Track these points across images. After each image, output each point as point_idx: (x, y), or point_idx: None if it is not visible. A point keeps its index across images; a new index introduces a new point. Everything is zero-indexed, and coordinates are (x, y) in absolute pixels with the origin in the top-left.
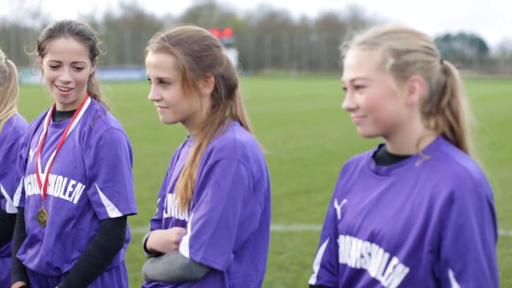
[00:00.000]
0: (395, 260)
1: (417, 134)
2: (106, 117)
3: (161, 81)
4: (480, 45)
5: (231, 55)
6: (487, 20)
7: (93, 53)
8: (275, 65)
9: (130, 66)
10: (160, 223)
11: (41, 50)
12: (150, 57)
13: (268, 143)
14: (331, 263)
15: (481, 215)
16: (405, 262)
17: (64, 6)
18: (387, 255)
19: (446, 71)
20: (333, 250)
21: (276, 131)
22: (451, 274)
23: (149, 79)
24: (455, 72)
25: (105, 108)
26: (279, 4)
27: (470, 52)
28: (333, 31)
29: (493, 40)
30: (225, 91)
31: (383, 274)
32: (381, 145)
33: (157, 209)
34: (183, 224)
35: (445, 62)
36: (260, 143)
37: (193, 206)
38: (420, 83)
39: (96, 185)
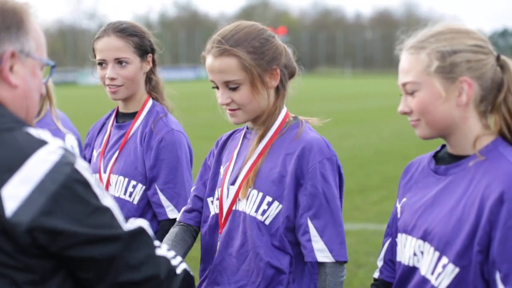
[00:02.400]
0: (444, 259)
1: (474, 134)
2: (167, 119)
3: (228, 84)
4: None
5: None
6: None
7: (141, 49)
8: (329, 62)
9: (185, 66)
10: (192, 214)
11: (93, 52)
12: (212, 62)
13: None
14: (392, 260)
15: None
16: (455, 262)
17: (119, 6)
18: (437, 254)
19: (503, 67)
20: (394, 248)
21: (331, 129)
22: (498, 276)
23: (214, 86)
24: None
25: (166, 110)
26: (333, 2)
27: None
28: (388, 28)
29: None
30: (288, 79)
31: (432, 273)
32: (444, 145)
33: (190, 199)
34: (252, 219)
35: (502, 57)
36: None
37: (303, 212)
38: (468, 84)
39: (156, 186)
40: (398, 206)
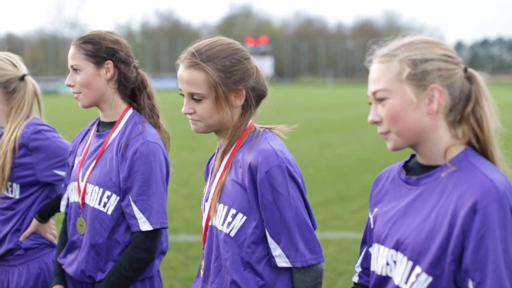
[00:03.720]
0: (418, 269)
1: (444, 144)
2: (144, 130)
3: (193, 96)
4: None
5: (267, 63)
6: None
7: (94, 56)
8: (311, 72)
9: (166, 75)
10: None
11: None
12: (182, 72)
13: (304, 151)
14: (368, 267)
15: (504, 226)
16: (428, 271)
17: (100, 16)
18: (410, 264)
19: (470, 79)
20: (368, 256)
21: (312, 139)
22: (470, 284)
23: (181, 93)
24: (480, 79)
25: (144, 120)
26: (315, 12)
27: (509, 57)
28: (370, 38)
29: None
30: (255, 101)
31: (406, 282)
32: (413, 155)
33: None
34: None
35: (470, 69)
36: (296, 151)
37: (264, 221)
38: (439, 91)
39: (129, 197)
40: (371, 216)
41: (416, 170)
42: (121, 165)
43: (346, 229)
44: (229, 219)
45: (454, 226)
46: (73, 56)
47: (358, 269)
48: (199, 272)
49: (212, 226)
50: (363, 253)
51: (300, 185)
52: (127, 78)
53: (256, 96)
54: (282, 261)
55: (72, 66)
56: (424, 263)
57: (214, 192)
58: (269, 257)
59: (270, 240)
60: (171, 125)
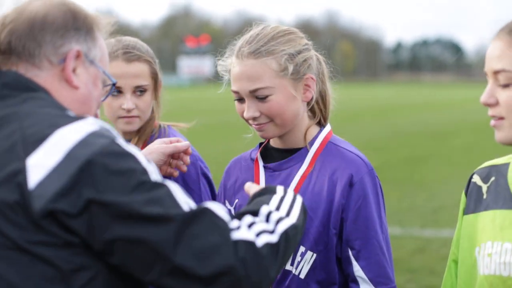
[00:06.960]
0: (302, 248)
1: (304, 126)
2: None
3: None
4: (456, 50)
5: (207, 62)
6: (463, 25)
7: None
8: None
9: None
10: None
11: None
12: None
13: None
14: None
15: (376, 194)
16: (312, 248)
17: None
18: None
19: (318, 60)
20: None
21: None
22: (350, 254)
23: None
24: (320, 57)
25: None
26: (256, 11)
27: (448, 57)
28: (310, 37)
29: (469, 44)
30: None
31: (292, 264)
32: (261, 144)
33: None
34: None
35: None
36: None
37: None
38: (313, 80)
39: None
40: (231, 208)
41: (274, 156)
42: None
43: None
44: None
45: (333, 202)
46: None
47: None
48: None
49: None
50: None
51: (211, 180)
52: None
53: None
54: None
55: None
56: (307, 242)
57: None
58: None
59: None
60: None
